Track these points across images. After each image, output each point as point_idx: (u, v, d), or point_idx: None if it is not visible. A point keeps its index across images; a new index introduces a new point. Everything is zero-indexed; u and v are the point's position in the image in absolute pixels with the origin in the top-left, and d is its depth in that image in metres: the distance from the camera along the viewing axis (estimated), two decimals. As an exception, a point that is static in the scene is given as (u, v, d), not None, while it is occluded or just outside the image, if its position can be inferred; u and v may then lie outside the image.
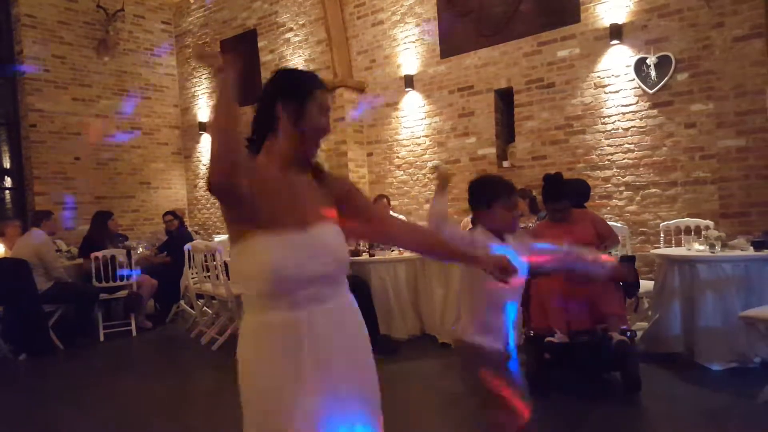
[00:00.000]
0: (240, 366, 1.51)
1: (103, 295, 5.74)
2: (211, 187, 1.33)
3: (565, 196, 3.66)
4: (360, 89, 7.48)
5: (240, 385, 1.50)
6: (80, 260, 6.08)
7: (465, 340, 2.08)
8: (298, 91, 1.53)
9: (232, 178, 1.33)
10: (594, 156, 5.68)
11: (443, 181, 2.21)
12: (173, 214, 7.18)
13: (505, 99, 6.40)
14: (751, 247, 3.81)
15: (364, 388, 1.53)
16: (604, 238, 3.71)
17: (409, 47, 7.02)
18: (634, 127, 5.42)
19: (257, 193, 1.41)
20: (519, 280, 2.01)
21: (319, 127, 1.54)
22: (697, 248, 3.95)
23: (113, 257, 5.82)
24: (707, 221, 4.74)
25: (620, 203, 5.54)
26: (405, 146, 7.18)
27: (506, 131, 6.46)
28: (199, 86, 9.62)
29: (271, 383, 1.43)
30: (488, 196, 2.10)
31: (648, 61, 5.25)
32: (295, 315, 1.43)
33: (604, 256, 2.15)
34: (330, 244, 1.50)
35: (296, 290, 1.43)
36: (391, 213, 6.23)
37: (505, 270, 1.59)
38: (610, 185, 5.59)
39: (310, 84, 1.55)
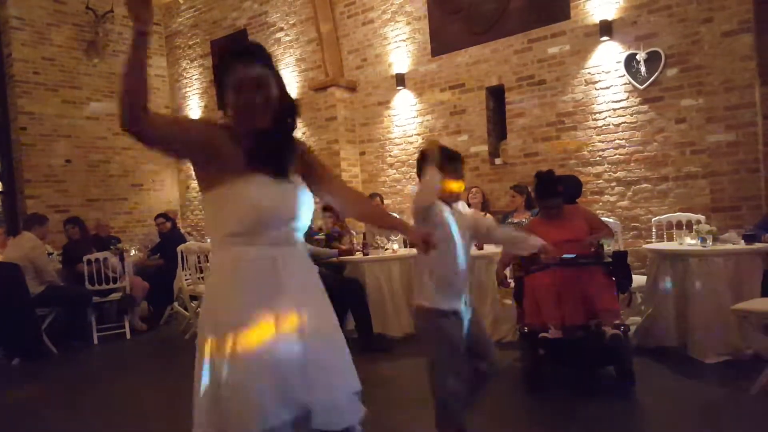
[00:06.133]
0: (209, 294, 1.61)
1: (95, 298, 5.71)
2: (127, 132, 1.36)
3: (558, 194, 3.66)
4: (351, 88, 7.48)
5: (204, 312, 1.57)
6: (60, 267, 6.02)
7: (420, 305, 2.35)
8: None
9: (136, 129, 1.35)
10: (585, 152, 5.70)
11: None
12: (165, 217, 7.14)
13: (496, 96, 6.42)
14: (743, 241, 3.84)
15: (328, 324, 1.62)
16: (597, 232, 3.73)
17: (400, 46, 7.02)
18: (625, 122, 5.45)
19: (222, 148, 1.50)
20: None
21: (239, 107, 1.52)
22: (689, 243, 3.97)
23: (105, 260, 5.79)
24: (699, 216, 4.76)
25: (612, 199, 5.57)
26: (397, 145, 7.18)
27: (498, 128, 6.47)
28: (189, 87, 9.58)
29: (247, 309, 1.48)
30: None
31: (638, 56, 5.28)
32: (271, 252, 1.52)
33: None
34: (299, 194, 1.60)
35: (272, 229, 1.52)
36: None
37: (426, 242, 1.67)
38: (601, 181, 5.61)
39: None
